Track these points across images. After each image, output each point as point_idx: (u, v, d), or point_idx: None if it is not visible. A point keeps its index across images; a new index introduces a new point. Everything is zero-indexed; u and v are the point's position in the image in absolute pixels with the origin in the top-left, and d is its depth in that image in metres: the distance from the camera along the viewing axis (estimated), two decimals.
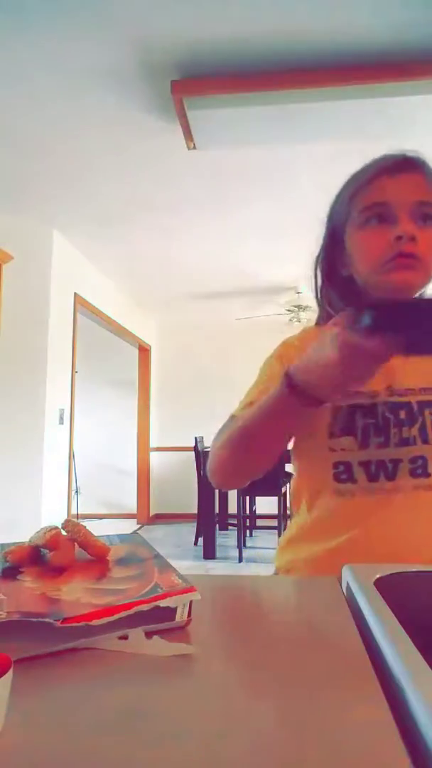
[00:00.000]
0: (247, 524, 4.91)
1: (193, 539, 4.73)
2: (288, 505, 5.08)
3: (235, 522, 5.01)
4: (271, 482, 4.00)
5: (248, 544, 4.54)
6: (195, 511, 5.62)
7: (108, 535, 0.77)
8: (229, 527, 5.12)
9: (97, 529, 0.75)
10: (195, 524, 5.37)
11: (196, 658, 0.50)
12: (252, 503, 5.09)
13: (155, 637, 0.52)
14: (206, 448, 4.62)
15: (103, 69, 1.74)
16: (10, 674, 0.37)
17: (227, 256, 3.60)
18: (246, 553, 4.21)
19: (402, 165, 0.76)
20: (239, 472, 0.90)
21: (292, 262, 3.74)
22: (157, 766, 0.34)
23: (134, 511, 5.63)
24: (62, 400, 3.18)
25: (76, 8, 1.48)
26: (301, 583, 0.75)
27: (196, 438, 4.67)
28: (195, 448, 4.63)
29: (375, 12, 1.49)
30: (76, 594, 0.56)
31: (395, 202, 0.74)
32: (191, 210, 2.84)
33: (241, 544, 4.10)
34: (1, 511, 2.86)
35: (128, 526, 5.24)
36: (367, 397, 0.81)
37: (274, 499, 5.60)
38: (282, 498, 4.08)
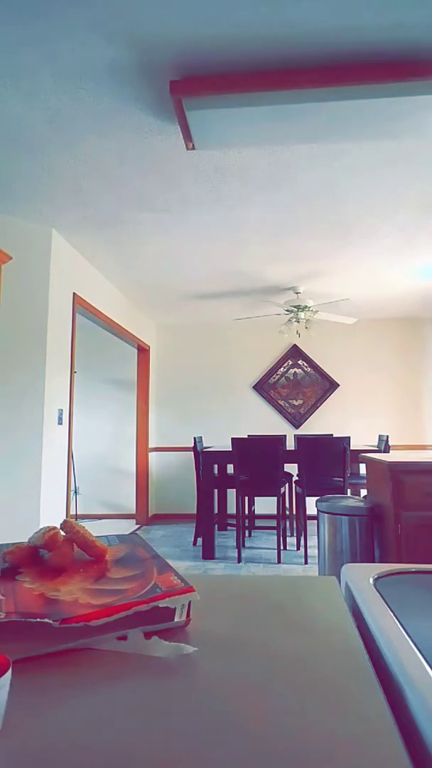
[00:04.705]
0: (246, 524, 4.92)
1: (192, 539, 4.73)
2: (287, 505, 5.10)
3: (234, 522, 5.02)
4: (271, 483, 4.00)
5: (247, 544, 4.54)
6: (194, 511, 5.63)
7: (107, 536, 0.77)
8: (228, 527, 5.12)
9: (96, 529, 0.75)
10: (194, 524, 5.37)
11: (195, 658, 0.50)
12: (251, 503, 5.10)
13: (154, 638, 0.52)
14: (205, 448, 4.62)
15: (101, 69, 1.74)
16: (8, 675, 0.37)
17: (226, 256, 3.60)
18: (245, 553, 4.21)
19: None
20: None
21: (291, 262, 3.74)
22: (157, 765, 0.34)
23: (133, 511, 5.62)
24: (61, 401, 3.17)
25: (75, 9, 1.48)
26: (301, 583, 0.75)
27: (195, 438, 4.67)
28: (194, 449, 4.63)
29: (375, 11, 1.49)
30: (75, 594, 0.56)
31: None
32: (190, 210, 2.84)
33: (240, 545, 4.10)
34: (0, 512, 2.86)
35: (127, 527, 5.24)
36: None
37: (273, 500, 5.61)
38: (281, 498, 4.08)
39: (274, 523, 5.30)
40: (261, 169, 2.38)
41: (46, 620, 0.49)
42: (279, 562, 3.94)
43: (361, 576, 0.61)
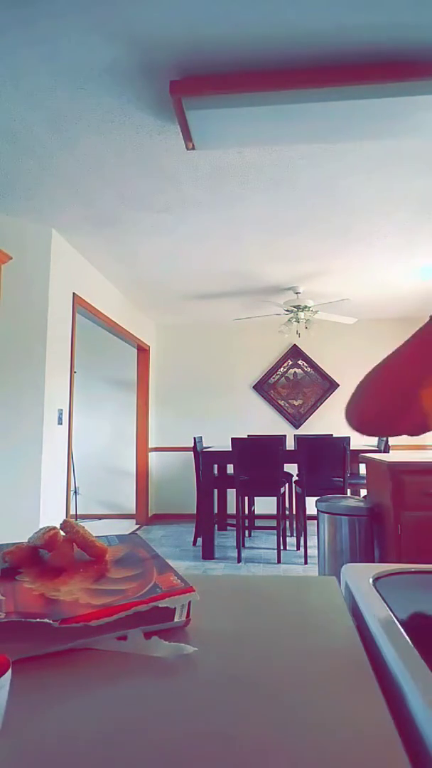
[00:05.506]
0: (246, 524, 4.92)
1: (192, 540, 4.73)
2: (287, 505, 5.09)
3: (234, 522, 5.01)
4: (271, 483, 4.00)
5: (247, 544, 4.54)
6: (194, 511, 5.62)
7: (107, 536, 0.77)
8: (228, 528, 5.12)
9: (96, 529, 0.75)
10: (194, 524, 5.37)
11: (195, 658, 0.50)
12: (251, 503, 5.10)
13: (154, 638, 0.52)
14: (205, 448, 4.62)
15: (101, 69, 1.74)
16: (8, 675, 0.37)
17: (226, 256, 3.60)
18: (245, 553, 4.21)
19: None
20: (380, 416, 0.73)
21: (291, 262, 3.74)
22: (157, 765, 0.34)
23: (133, 511, 5.62)
24: (61, 401, 3.17)
25: (76, 9, 1.48)
26: (300, 583, 0.75)
27: (195, 438, 4.67)
28: (194, 449, 4.63)
29: (375, 11, 1.49)
30: (75, 594, 0.56)
31: None
32: (190, 210, 2.84)
33: (240, 545, 4.10)
34: (0, 512, 2.86)
35: (127, 527, 5.24)
36: None
37: (273, 500, 5.61)
38: (281, 498, 4.08)
39: (274, 523, 5.30)
40: (261, 169, 2.37)
41: (46, 620, 0.49)
42: (279, 562, 3.94)
43: (361, 576, 0.61)
